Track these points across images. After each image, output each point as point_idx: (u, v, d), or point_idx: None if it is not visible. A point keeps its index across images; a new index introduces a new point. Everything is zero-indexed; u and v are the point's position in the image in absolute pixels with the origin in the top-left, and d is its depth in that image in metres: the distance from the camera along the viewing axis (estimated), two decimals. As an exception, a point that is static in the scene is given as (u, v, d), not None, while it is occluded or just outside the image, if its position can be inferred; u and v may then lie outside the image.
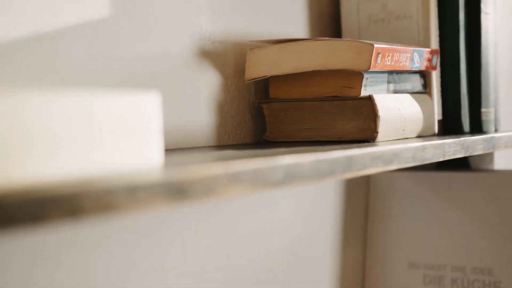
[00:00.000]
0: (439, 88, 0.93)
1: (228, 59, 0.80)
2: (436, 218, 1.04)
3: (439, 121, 0.92)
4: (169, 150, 0.70)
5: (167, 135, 0.72)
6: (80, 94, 0.41)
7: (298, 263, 0.94)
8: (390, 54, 0.77)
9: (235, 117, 0.81)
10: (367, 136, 0.76)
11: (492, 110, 0.97)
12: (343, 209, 1.03)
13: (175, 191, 0.43)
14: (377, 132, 0.76)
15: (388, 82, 0.81)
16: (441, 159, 0.77)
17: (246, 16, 0.82)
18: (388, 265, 1.05)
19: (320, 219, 0.98)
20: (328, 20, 0.97)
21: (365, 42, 0.75)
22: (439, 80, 0.93)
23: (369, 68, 0.75)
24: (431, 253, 1.03)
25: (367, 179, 1.08)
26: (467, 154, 0.83)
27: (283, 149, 0.65)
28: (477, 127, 0.95)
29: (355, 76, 0.77)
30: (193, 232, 0.76)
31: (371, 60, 0.74)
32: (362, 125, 0.76)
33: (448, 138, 0.80)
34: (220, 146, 0.76)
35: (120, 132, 0.43)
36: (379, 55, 0.75)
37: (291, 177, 0.53)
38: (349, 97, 0.77)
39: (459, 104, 0.93)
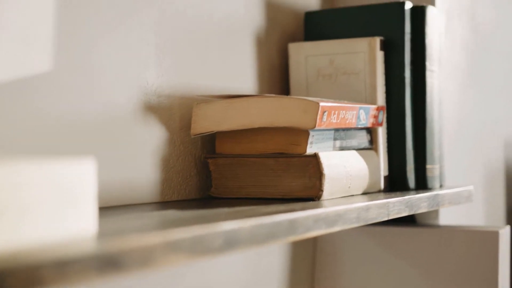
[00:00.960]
0: (385, 144, 0.93)
1: (174, 113, 0.79)
2: (383, 274, 1.03)
3: (385, 177, 0.93)
4: (110, 208, 0.68)
5: (109, 191, 0.70)
6: (8, 162, 0.39)
7: (243, 318, 0.92)
8: (336, 112, 0.78)
9: (180, 172, 0.79)
10: (312, 195, 0.76)
11: (437, 166, 0.98)
12: (289, 270, 1.02)
13: (108, 263, 0.41)
14: (322, 191, 0.76)
15: (334, 139, 0.81)
16: (386, 219, 0.77)
17: (193, 70, 0.82)
18: (334, 319, 1.04)
19: (265, 282, 0.97)
20: (277, 74, 0.97)
21: (311, 101, 0.75)
22: (385, 136, 0.93)
23: (314, 127, 0.75)
24: (377, 308, 1.03)
25: (313, 237, 1.08)
26: (411, 213, 0.83)
27: (225, 210, 0.64)
28: (422, 183, 0.96)
29: (301, 134, 0.77)
30: (134, 290, 0.74)
31: (316, 118, 0.74)
32: (307, 183, 0.76)
33: (392, 196, 0.80)
34: (163, 203, 0.75)
35: (52, 201, 0.41)
36: (325, 113, 0.76)
37: (231, 243, 0.52)
38: (294, 154, 0.77)
39: (405, 160, 0.94)
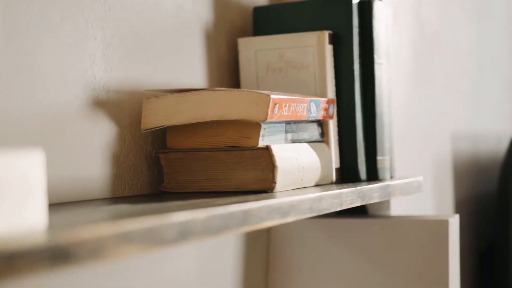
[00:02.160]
0: (336, 137, 0.94)
1: (124, 108, 0.78)
2: (336, 264, 1.04)
3: (336, 169, 0.93)
4: (60, 205, 0.67)
5: (59, 189, 0.69)
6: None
7: (198, 315, 0.92)
8: (287, 105, 0.78)
9: (131, 167, 0.79)
10: (265, 187, 0.76)
11: (387, 157, 0.99)
12: (243, 261, 1.01)
13: (59, 255, 0.40)
14: (275, 183, 0.76)
15: (286, 132, 0.82)
16: (339, 209, 0.77)
17: (143, 65, 0.81)
18: (289, 313, 1.05)
19: (219, 274, 0.97)
20: (227, 68, 0.97)
21: (262, 93, 0.75)
22: (336, 129, 0.94)
23: (266, 119, 0.75)
24: (331, 300, 1.03)
25: (267, 228, 1.08)
26: (364, 203, 0.84)
27: (178, 203, 0.64)
28: (373, 175, 0.97)
29: (253, 127, 0.76)
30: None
31: (268, 111, 0.74)
32: (260, 176, 0.76)
33: (345, 187, 0.81)
34: (114, 199, 0.74)
35: (0, 194, 0.40)
36: (276, 105, 0.76)
37: (185, 234, 0.51)
38: (246, 147, 0.77)
39: (356, 152, 0.95)
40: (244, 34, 1.01)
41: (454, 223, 1.01)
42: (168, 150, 0.80)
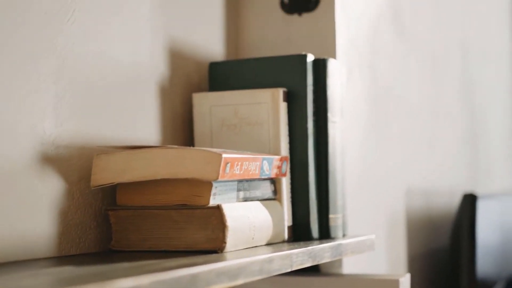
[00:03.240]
0: (289, 194, 0.94)
1: (73, 164, 0.77)
2: (287, 323, 1.03)
3: (289, 227, 0.93)
4: (5, 264, 0.65)
5: (3, 247, 0.67)
6: None
7: None
8: (239, 163, 0.78)
9: (79, 225, 0.77)
10: (216, 247, 0.75)
11: (339, 215, 0.99)
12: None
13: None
14: (225, 243, 0.75)
15: (238, 190, 0.81)
16: (289, 270, 0.76)
17: (95, 119, 0.80)
18: None
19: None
20: (181, 124, 0.97)
21: (213, 152, 0.74)
22: (289, 186, 0.94)
23: (217, 178, 0.74)
24: None
25: None
26: (315, 263, 0.83)
27: (124, 265, 0.62)
28: (325, 233, 0.96)
29: (204, 185, 0.76)
30: None
31: (219, 170, 0.74)
32: (210, 235, 0.75)
33: (296, 247, 0.81)
34: (61, 258, 0.72)
35: None
36: (228, 164, 0.75)
37: (128, 301, 0.50)
38: (197, 206, 0.76)
39: (308, 210, 0.95)
40: (200, 89, 1.01)
41: (405, 282, 1.01)
42: (117, 207, 0.78)
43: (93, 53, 0.80)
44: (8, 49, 0.69)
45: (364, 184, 1.23)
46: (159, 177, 0.75)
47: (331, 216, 0.97)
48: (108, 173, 0.76)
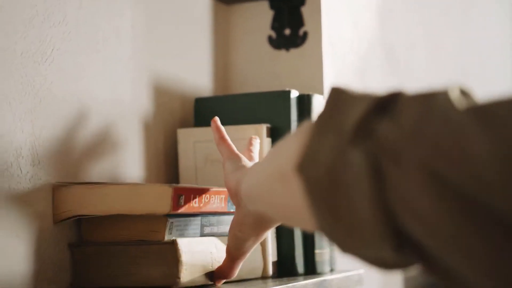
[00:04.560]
0: (274, 229, 0.93)
1: (50, 202, 0.77)
2: None
3: (273, 262, 0.92)
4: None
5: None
6: None
7: None
8: (197, 196, 0.77)
9: (55, 262, 0.77)
10: (170, 283, 0.74)
11: (326, 250, 0.98)
12: None
13: None
14: (179, 278, 0.74)
15: (202, 225, 0.80)
16: (266, 308, 0.76)
17: (73, 159, 0.80)
18: None
19: None
20: (165, 160, 0.97)
21: (163, 186, 0.75)
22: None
23: (170, 211, 0.74)
24: None
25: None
26: (296, 300, 0.82)
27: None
28: (311, 268, 0.96)
29: (160, 220, 0.76)
30: None
31: (170, 203, 0.74)
32: (165, 271, 0.75)
33: (277, 284, 0.80)
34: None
35: None
36: (182, 197, 0.75)
37: None
38: (153, 241, 0.76)
39: (293, 245, 0.94)
40: (185, 125, 1.01)
41: (394, 318, 1.00)
42: (83, 243, 0.78)
43: (71, 92, 0.81)
44: (-16, 89, 0.70)
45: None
46: (115, 212, 0.75)
47: (317, 251, 0.97)
48: (68, 205, 0.76)
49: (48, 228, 0.76)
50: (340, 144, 0.43)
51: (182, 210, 0.75)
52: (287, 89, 0.97)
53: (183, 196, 0.75)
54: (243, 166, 0.73)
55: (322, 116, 0.46)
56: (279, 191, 0.51)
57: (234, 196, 0.70)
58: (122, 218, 0.77)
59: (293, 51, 1.12)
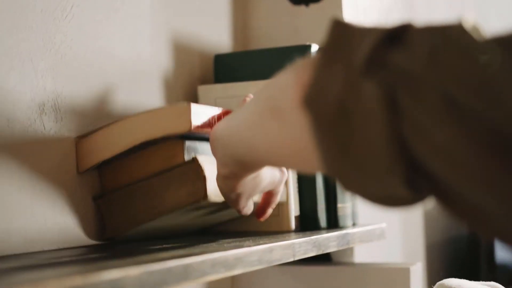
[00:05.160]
0: (296, 184, 0.94)
1: (73, 158, 0.77)
2: (299, 313, 1.03)
3: (296, 217, 0.93)
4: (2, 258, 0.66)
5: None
6: None
7: None
8: (216, 118, 0.76)
9: (78, 216, 0.78)
10: (198, 198, 0.75)
11: (348, 205, 0.99)
12: (205, 307, 1.00)
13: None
14: (206, 192, 0.74)
15: None
16: (291, 259, 0.76)
17: (96, 116, 0.81)
18: None
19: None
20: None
21: (182, 103, 0.74)
22: (295, 175, 0.93)
23: (190, 129, 0.73)
24: None
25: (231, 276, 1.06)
26: (320, 252, 0.83)
27: (116, 255, 0.63)
28: (334, 222, 0.96)
29: (177, 145, 0.76)
30: None
31: (190, 120, 0.73)
32: (191, 189, 0.75)
33: (300, 237, 0.80)
34: (51, 251, 0.73)
35: None
36: (201, 115, 0.74)
37: (116, 292, 0.50)
38: (173, 166, 0.76)
39: (316, 199, 0.94)
40: (205, 81, 1.01)
41: (417, 271, 1.01)
42: (103, 194, 0.79)
43: (92, 49, 0.81)
44: (5, 48, 0.70)
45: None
46: (137, 142, 0.75)
47: (339, 205, 0.97)
48: (91, 155, 0.77)
49: (72, 181, 0.77)
50: (351, 76, 0.42)
51: (202, 128, 0.74)
52: (308, 43, 0.96)
53: (202, 114, 0.74)
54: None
55: (327, 48, 0.45)
56: (274, 129, 0.49)
57: (211, 147, 0.65)
58: (135, 159, 0.77)
59: (313, 6, 1.11)
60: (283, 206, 0.91)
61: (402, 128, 0.39)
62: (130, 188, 0.77)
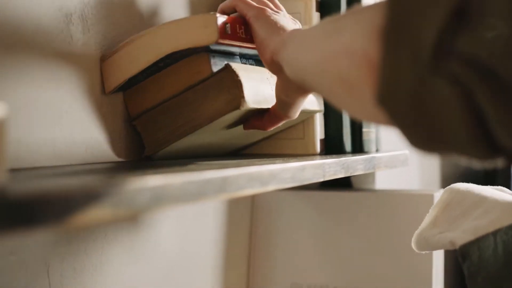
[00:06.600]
0: (322, 107, 0.92)
1: (96, 73, 0.75)
2: (319, 238, 1.02)
3: (321, 140, 0.91)
4: (32, 169, 0.65)
5: (31, 152, 0.67)
6: None
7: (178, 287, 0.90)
8: (243, 26, 0.72)
9: (111, 133, 0.76)
10: (236, 105, 0.72)
11: (373, 130, 0.97)
12: (226, 229, 1.00)
13: (19, 216, 0.38)
14: (243, 97, 0.72)
15: (242, 63, 0.79)
16: (321, 179, 0.75)
17: (121, 27, 0.78)
18: (271, 287, 1.03)
19: (201, 240, 0.95)
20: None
21: (209, 13, 0.72)
22: (321, 99, 0.92)
23: (217, 39, 0.71)
24: (314, 274, 1.02)
25: (251, 197, 1.06)
26: (348, 174, 0.82)
27: (157, 167, 0.62)
28: (358, 147, 0.95)
29: (202, 58, 0.74)
30: (60, 258, 0.71)
31: (218, 30, 0.71)
32: (228, 97, 0.73)
33: (329, 158, 0.79)
34: (91, 164, 0.72)
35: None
36: (227, 25, 0.72)
37: (158, 199, 0.49)
38: (205, 77, 0.74)
39: (341, 123, 0.93)
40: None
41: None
42: (139, 114, 0.77)
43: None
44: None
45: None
46: (163, 54, 0.73)
47: (364, 130, 0.95)
48: (116, 73, 0.75)
49: (99, 100, 0.75)
50: (420, 70, 0.40)
51: (229, 39, 0.72)
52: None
53: (229, 25, 0.72)
54: (281, 29, 0.66)
55: (390, 27, 0.42)
56: (345, 97, 0.49)
57: (271, 64, 0.65)
58: (161, 79, 0.76)
59: None
60: (308, 129, 0.90)
61: (488, 129, 0.39)
62: (165, 106, 0.75)
